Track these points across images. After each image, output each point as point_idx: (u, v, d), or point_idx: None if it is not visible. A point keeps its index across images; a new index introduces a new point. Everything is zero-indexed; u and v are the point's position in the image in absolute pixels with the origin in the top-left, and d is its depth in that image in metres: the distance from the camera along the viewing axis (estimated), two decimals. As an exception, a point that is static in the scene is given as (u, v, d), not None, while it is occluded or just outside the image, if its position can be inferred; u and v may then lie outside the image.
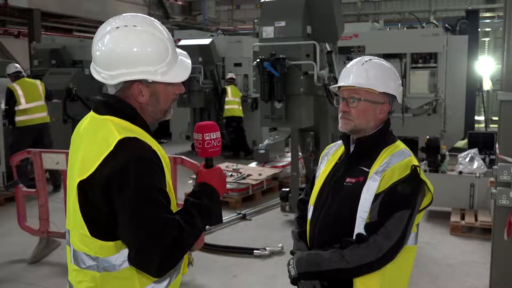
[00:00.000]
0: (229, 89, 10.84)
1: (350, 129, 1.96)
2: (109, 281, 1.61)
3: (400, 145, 1.97)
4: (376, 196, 1.83)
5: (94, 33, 1.70)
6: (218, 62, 11.47)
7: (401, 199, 1.82)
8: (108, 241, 1.58)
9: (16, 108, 7.67)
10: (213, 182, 1.75)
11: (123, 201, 1.52)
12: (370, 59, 2.00)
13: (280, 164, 8.91)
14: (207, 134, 1.78)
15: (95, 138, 1.61)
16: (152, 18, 1.72)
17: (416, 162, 1.88)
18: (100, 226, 1.59)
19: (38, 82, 8.12)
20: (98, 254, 1.60)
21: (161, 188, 1.59)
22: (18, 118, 7.71)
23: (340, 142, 2.10)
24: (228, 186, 6.87)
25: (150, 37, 1.63)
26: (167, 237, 1.53)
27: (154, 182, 1.57)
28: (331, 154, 2.13)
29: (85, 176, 1.55)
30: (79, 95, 10.49)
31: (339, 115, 1.98)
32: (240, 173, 7.66)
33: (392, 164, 1.85)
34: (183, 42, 10.84)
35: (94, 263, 1.61)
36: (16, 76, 7.82)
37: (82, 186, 1.56)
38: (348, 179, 1.94)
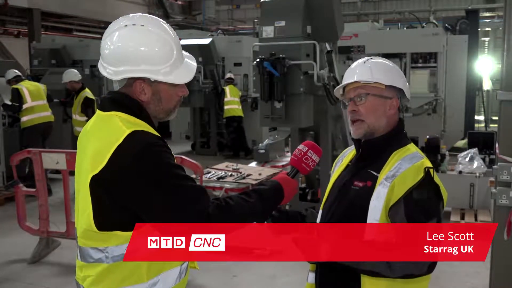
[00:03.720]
0: (227, 89, 10.84)
1: (364, 132, 1.89)
2: (116, 271, 1.63)
3: (411, 148, 1.88)
4: (392, 207, 1.73)
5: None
6: (218, 61, 11.46)
7: (423, 209, 1.73)
8: (118, 230, 1.61)
9: (22, 107, 7.75)
10: (285, 187, 1.82)
11: (148, 184, 1.56)
12: (371, 58, 1.97)
13: (280, 164, 8.91)
14: (311, 152, 1.93)
15: (103, 134, 1.64)
16: (161, 20, 1.74)
17: (429, 164, 1.79)
18: (112, 219, 1.61)
19: (42, 85, 8.28)
20: (106, 244, 1.62)
21: (178, 165, 1.65)
22: (25, 118, 7.78)
23: None
24: (227, 185, 6.89)
25: (156, 37, 1.66)
26: (204, 202, 1.59)
27: (170, 161, 1.62)
28: (345, 157, 2.07)
29: (97, 171, 1.58)
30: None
31: (349, 118, 1.92)
32: (240, 172, 7.66)
33: (403, 169, 1.76)
34: (183, 42, 10.66)
35: (103, 254, 1.63)
36: (17, 81, 7.94)
37: (95, 181, 1.59)
38: (355, 183, 1.88)
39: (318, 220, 2.02)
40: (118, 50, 1.65)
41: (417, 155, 1.83)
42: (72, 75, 8.09)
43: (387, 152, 1.86)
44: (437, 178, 1.79)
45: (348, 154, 2.07)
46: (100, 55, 1.71)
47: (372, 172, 1.85)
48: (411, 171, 1.76)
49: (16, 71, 8.24)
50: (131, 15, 1.72)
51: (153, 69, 1.65)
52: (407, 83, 1.98)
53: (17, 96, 7.68)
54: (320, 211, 2.02)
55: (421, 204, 1.73)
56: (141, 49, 1.63)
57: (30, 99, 7.80)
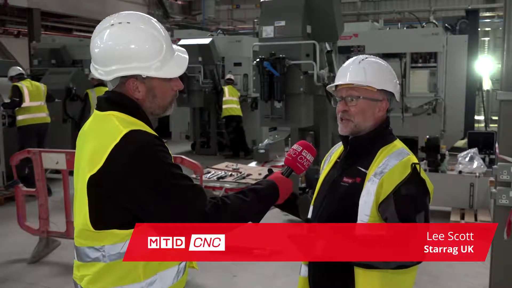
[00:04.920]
0: (226, 89, 10.83)
1: (350, 131, 1.94)
2: (113, 270, 1.63)
3: (397, 144, 1.94)
4: (382, 203, 1.78)
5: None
6: (218, 61, 11.45)
7: (413, 204, 1.78)
8: (114, 229, 1.61)
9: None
10: (280, 187, 1.83)
11: (146, 184, 1.56)
12: (366, 58, 1.98)
13: (280, 164, 8.92)
14: (306, 152, 1.94)
15: (100, 134, 1.64)
16: (148, 16, 1.74)
17: (415, 160, 1.84)
18: (108, 218, 1.61)
19: (42, 85, 8.35)
20: (103, 243, 1.62)
21: (176, 164, 1.64)
22: (20, 117, 7.83)
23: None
24: (227, 185, 6.90)
25: (143, 33, 1.65)
26: (202, 201, 1.59)
27: (167, 160, 1.62)
28: (333, 154, 2.12)
29: (94, 171, 1.58)
30: (79, 94, 10.50)
31: (338, 116, 1.96)
32: (240, 172, 7.66)
33: (390, 166, 1.81)
34: (182, 42, 10.82)
35: (100, 253, 1.63)
36: (19, 78, 8.00)
37: (92, 181, 1.59)
38: (345, 179, 1.92)
39: (309, 215, 2.06)
40: (107, 50, 1.64)
41: (404, 151, 1.89)
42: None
43: (375, 148, 1.91)
44: (423, 173, 1.84)
45: (336, 151, 2.12)
46: (91, 56, 1.71)
47: (360, 168, 1.89)
48: (398, 167, 1.81)
49: (20, 69, 8.34)
50: (117, 13, 1.71)
51: (143, 65, 1.65)
52: (398, 85, 2.01)
53: (18, 93, 7.76)
54: (311, 207, 2.06)
55: (410, 199, 1.78)
56: (130, 46, 1.63)
57: (29, 99, 7.87)
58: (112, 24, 1.65)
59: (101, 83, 8.66)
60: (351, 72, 1.94)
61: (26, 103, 7.83)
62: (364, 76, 1.91)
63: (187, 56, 1.77)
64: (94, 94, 8.69)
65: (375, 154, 1.89)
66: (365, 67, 1.93)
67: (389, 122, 2.00)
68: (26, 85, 7.90)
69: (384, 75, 1.95)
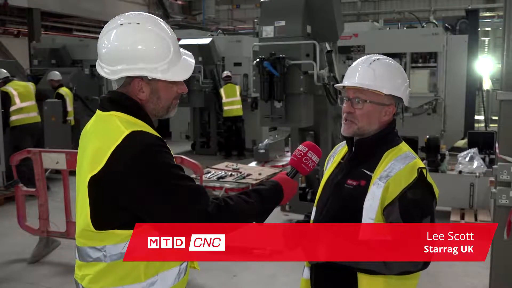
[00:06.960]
0: (222, 90, 10.79)
1: (353, 133, 1.91)
2: (114, 270, 1.63)
3: (403, 147, 1.91)
4: (387, 207, 1.76)
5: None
6: (218, 61, 11.45)
7: (418, 208, 1.76)
8: (116, 229, 1.61)
9: (11, 109, 7.84)
10: (285, 187, 1.83)
11: (147, 185, 1.56)
12: (378, 59, 1.92)
13: (280, 164, 8.93)
14: (311, 153, 1.93)
15: (102, 134, 1.64)
16: (157, 18, 1.74)
17: (422, 165, 1.82)
18: (110, 219, 1.61)
19: (30, 83, 8.40)
20: (104, 243, 1.62)
21: (178, 165, 1.64)
22: (14, 117, 7.86)
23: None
24: (227, 185, 6.90)
25: (152, 35, 1.65)
26: (204, 202, 1.59)
27: (169, 161, 1.62)
28: (337, 154, 2.09)
29: (96, 171, 1.58)
30: (79, 94, 10.51)
31: (343, 116, 1.93)
32: (240, 172, 7.66)
33: (396, 170, 1.79)
34: (183, 42, 10.82)
35: (101, 253, 1.63)
36: (5, 82, 7.98)
37: (94, 181, 1.59)
38: (349, 181, 1.90)
39: (312, 217, 2.04)
40: (115, 49, 1.64)
41: (410, 155, 1.86)
42: (50, 75, 9.49)
43: (380, 151, 1.88)
44: (429, 178, 1.82)
45: (340, 150, 2.09)
46: (98, 54, 1.71)
47: (365, 171, 1.87)
48: (404, 171, 1.78)
49: (5, 71, 8.19)
50: (127, 13, 1.71)
51: (150, 67, 1.65)
52: (408, 89, 1.96)
53: (4, 99, 7.71)
54: (314, 208, 2.04)
55: (416, 204, 1.77)
56: (138, 47, 1.63)
57: (19, 100, 7.89)
58: (121, 24, 1.65)
59: (62, 84, 9.29)
60: (360, 73, 1.89)
61: (18, 104, 7.85)
62: (373, 79, 1.86)
63: (193, 61, 1.78)
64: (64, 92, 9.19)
65: (381, 156, 1.86)
66: (375, 69, 1.88)
67: (395, 124, 1.97)
68: (14, 88, 7.89)
69: (395, 79, 1.90)
